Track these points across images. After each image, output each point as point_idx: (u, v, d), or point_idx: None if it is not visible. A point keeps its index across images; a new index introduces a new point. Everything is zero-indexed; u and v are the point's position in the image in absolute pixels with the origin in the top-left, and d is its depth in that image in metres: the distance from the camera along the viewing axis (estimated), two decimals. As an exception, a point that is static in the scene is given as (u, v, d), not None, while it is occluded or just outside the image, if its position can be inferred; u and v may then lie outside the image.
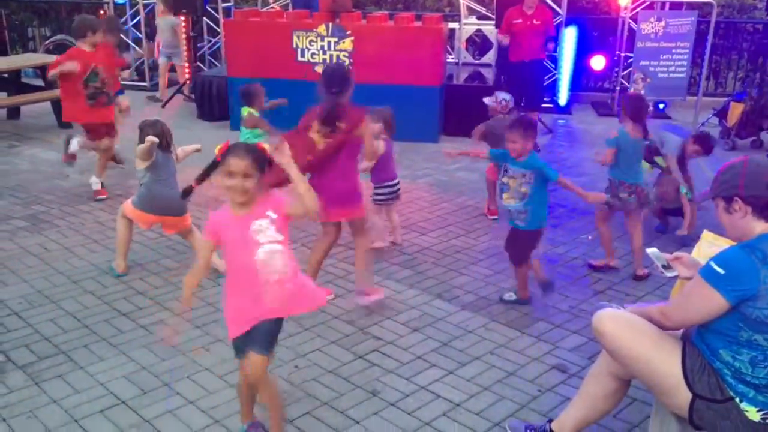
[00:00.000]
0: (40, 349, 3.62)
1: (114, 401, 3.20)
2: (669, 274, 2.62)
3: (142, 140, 4.27)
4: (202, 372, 3.44)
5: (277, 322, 2.75)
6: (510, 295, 4.24)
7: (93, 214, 5.55)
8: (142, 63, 11.12)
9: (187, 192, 2.92)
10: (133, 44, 11.12)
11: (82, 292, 4.26)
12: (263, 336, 2.70)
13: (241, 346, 2.75)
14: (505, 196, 4.03)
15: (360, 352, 3.64)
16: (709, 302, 2.29)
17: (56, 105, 7.85)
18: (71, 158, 6.13)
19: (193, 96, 9.33)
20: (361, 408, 3.19)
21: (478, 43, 10.12)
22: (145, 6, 10.96)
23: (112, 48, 6.10)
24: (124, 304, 4.12)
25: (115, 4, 11.29)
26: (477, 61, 9.73)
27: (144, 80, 11.04)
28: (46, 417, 3.09)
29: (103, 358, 3.54)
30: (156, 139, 4.24)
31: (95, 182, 5.99)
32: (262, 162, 2.62)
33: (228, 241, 2.68)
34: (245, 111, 5.47)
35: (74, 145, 6.01)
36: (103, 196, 5.89)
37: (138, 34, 11.10)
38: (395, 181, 4.95)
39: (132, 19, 11.12)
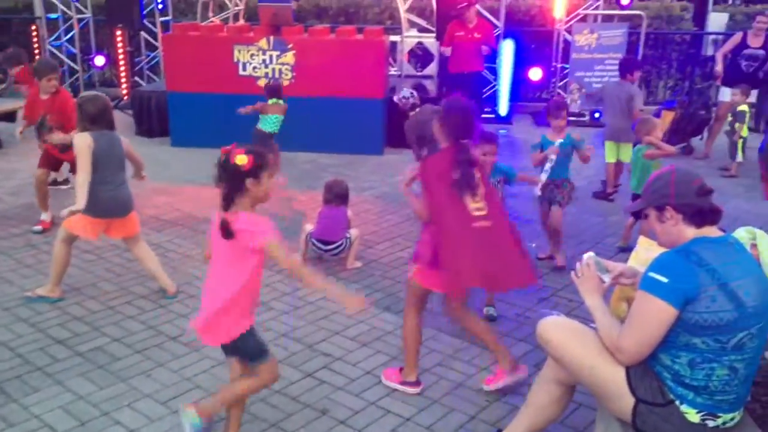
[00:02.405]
0: (-31, 382, 3.44)
1: (50, 434, 3.06)
2: (606, 279, 2.65)
3: (81, 118, 4.08)
4: (144, 399, 3.32)
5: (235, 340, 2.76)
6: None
7: (25, 237, 5.33)
8: (77, 79, 10.81)
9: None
10: (67, 60, 10.80)
11: (14, 319, 4.07)
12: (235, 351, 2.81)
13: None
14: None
15: (309, 370, 3.59)
16: (660, 315, 2.30)
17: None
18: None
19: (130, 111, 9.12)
20: (311, 428, 3.14)
21: (420, 56, 10.23)
22: (79, 21, 10.67)
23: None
24: (60, 330, 3.95)
25: (47, 19, 10.95)
26: (419, 73, 9.82)
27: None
28: (-24, 454, 2.93)
29: (38, 389, 3.38)
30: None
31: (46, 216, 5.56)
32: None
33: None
34: (273, 101, 6.52)
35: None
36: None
37: (72, 49, 10.79)
38: None
39: (66, 34, 10.80)
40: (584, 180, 6.80)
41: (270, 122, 6.54)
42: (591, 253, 2.71)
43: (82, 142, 3.98)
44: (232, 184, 2.62)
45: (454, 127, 3.16)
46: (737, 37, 8.21)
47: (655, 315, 2.31)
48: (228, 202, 2.64)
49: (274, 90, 6.64)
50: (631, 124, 6.02)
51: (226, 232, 2.61)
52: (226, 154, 2.63)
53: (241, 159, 2.57)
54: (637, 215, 5.11)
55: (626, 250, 5.08)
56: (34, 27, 10.92)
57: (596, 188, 6.73)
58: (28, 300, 4.26)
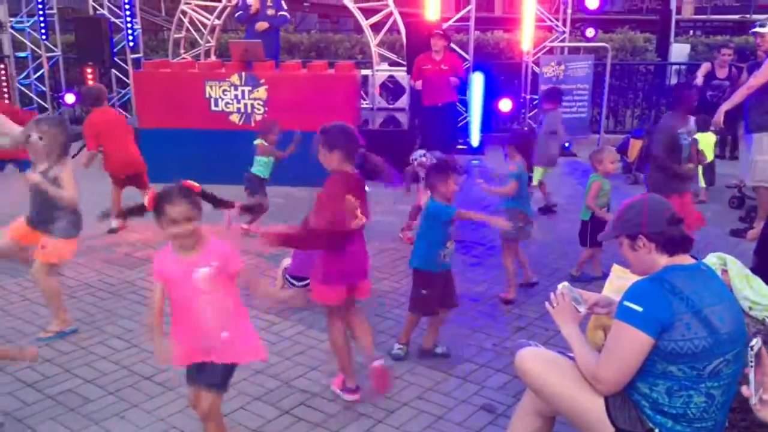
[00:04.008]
0: (-66, 431, 3.32)
1: (19, 482, 2.96)
2: (582, 309, 2.67)
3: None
4: (117, 442, 3.24)
5: (227, 366, 2.83)
6: (399, 349, 4.09)
7: (-7, 278, 5.21)
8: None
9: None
10: (36, 98, 10.71)
11: (-19, 363, 3.96)
12: (211, 376, 2.80)
13: (193, 376, 2.86)
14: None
15: (285, 407, 3.53)
16: (636, 344, 2.31)
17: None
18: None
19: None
20: (289, 466, 3.08)
21: (392, 88, 10.35)
22: (49, 59, 10.61)
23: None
24: (29, 373, 3.84)
25: (16, 58, 10.88)
26: (391, 106, 9.93)
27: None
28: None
29: (6, 435, 3.29)
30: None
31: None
32: (198, 201, 2.66)
33: (172, 281, 2.74)
34: (258, 141, 6.09)
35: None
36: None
37: (41, 87, 10.71)
38: None
39: (35, 73, 10.72)
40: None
41: (259, 165, 6.20)
42: (565, 283, 2.72)
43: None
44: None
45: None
46: (706, 67, 8.46)
47: (631, 344, 2.32)
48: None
49: (261, 126, 6.44)
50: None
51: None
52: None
53: (146, 198, 2.70)
54: (583, 241, 5.22)
55: (580, 279, 5.16)
56: (2, 65, 10.82)
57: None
58: (45, 340, 4.17)
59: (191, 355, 2.82)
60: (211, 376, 2.81)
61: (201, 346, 2.78)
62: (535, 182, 6.91)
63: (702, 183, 7.58)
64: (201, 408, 2.87)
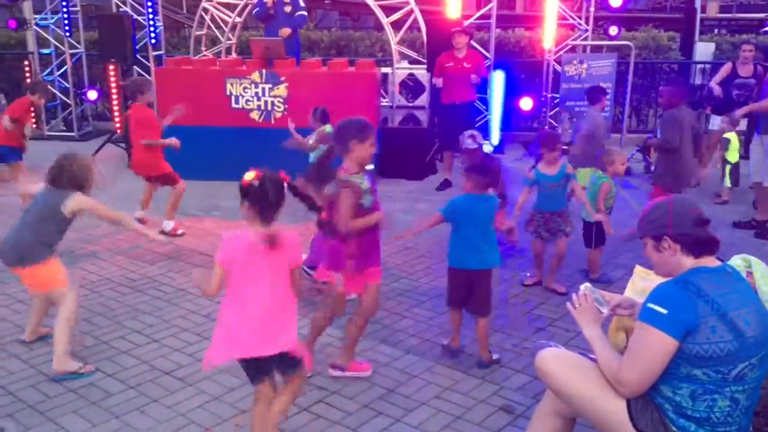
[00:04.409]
0: (-41, 422, 3.37)
1: (41, 474, 3.00)
2: (604, 310, 2.64)
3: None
4: (138, 436, 3.27)
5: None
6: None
7: (17, 272, 5.28)
8: (70, 113, 10.84)
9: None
10: (60, 94, 10.84)
11: (5, 356, 4.01)
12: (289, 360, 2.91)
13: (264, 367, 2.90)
14: None
15: (304, 404, 3.54)
16: (661, 347, 2.29)
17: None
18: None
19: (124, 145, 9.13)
20: (307, 464, 3.09)
21: (411, 87, 10.32)
22: (72, 56, 10.73)
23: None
24: (52, 367, 3.89)
25: (40, 54, 11.01)
26: (410, 104, 9.90)
27: (72, 130, 10.77)
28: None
29: (30, 427, 3.32)
30: None
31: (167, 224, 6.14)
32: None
33: (238, 263, 2.82)
34: (328, 128, 5.69)
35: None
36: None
37: (65, 84, 10.84)
38: None
39: (58, 69, 10.85)
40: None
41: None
42: (587, 284, 2.70)
43: None
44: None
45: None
46: (727, 67, 8.33)
47: (655, 347, 2.29)
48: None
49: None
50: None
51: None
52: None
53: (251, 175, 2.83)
54: (589, 243, 5.17)
55: (600, 281, 5.11)
56: (27, 62, 10.97)
57: None
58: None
59: (257, 347, 2.84)
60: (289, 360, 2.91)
61: (260, 336, 2.83)
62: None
63: (728, 183, 7.49)
64: (290, 395, 2.98)
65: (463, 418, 3.44)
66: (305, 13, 8.93)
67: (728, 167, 7.50)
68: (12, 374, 3.81)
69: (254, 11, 9.01)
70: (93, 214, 3.95)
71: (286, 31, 8.56)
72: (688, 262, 2.39)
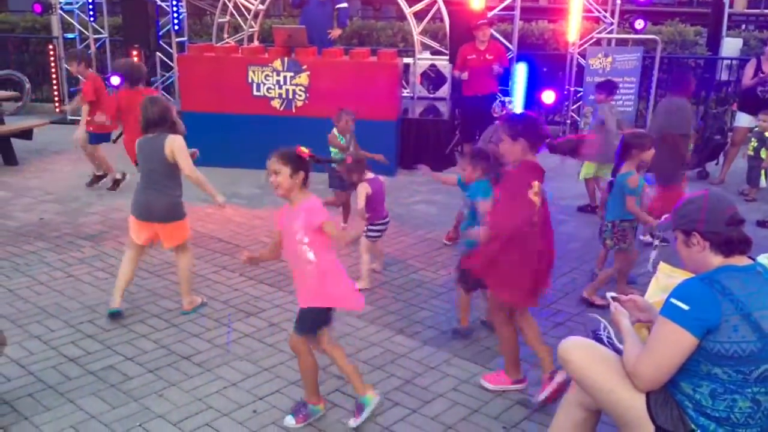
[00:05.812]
0: (-19, 400, 3.42)
1: (61, 454, 3.03)
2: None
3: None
4: (156, 420, 3.29)
5: (311, 310, 3.17)
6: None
7: (39, 255, 5.34)
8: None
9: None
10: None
11: (27, 336, 4.06)
12: (298, 319, 3.21)
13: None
14: None
15: (321, 393, 3.53)
16: (679, 343, 2.26)
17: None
18: None
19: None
20: (323, 452, 3.09)
21: (433, 78, 10.26)
22: (96, 41, 10.79)
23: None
24: (72, 348, 3.94)
25: (65, 39, 11.09)
26: (432, 95, 9.85)
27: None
28: (-13, 474, 2.90)
29: (50, 408, 3.36)
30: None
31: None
32: (291, 159, 3.06)
33: (283, 231, 3.21)
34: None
35: None
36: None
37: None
38: (386, 219, 5.11)
39: (82, 54, 10.92)
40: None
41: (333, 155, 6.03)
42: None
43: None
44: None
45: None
46: (752, 63, 8.18)
47: (673, 342, 2.27)
48: None
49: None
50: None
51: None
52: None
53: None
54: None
55: (628, 282, 5.01)
56: (51, 46, 11.05)
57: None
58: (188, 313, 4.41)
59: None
60: (297, 320, 3.21)
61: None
62: (580, 178, 6.74)
63: (764, 182, 7.39)
64: (290, 343, 3.31)
65: (480, 411, 3.43)
66: (346, 5, 9.12)
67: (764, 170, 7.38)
68: (33, 354, 3.86)
69: None
70: (179, 157, 4.30)
71: (336, 32, 8.97)
72: (717, 260, 2.34)
